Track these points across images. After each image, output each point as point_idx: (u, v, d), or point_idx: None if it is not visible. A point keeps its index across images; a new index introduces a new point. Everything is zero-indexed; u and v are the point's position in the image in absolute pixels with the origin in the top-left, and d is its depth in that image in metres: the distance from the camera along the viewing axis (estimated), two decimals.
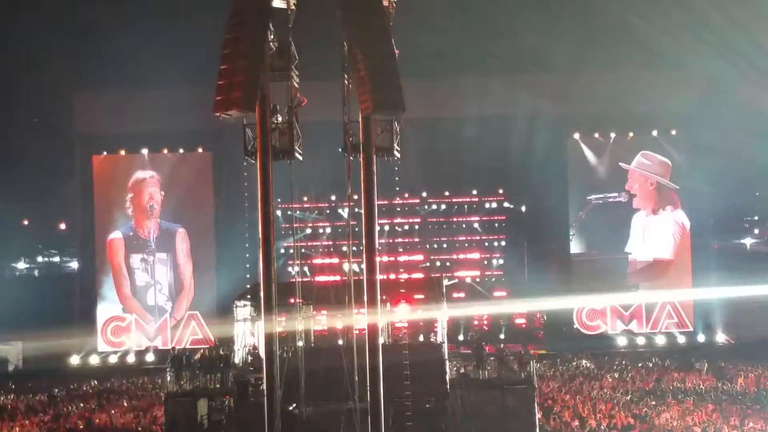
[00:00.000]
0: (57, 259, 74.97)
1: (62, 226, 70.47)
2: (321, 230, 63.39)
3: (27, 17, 56.95)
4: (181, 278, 62.20)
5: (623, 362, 53.65)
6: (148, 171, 62.38)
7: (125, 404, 46.14)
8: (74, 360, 59.79)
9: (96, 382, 52.28)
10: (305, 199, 61.84)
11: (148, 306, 61.83)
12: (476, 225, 63.53)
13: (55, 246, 74.63)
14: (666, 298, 60.41)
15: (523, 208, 63.38)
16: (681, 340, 59.93)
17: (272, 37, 28.65)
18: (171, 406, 36.01)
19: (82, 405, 46.14)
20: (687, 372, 50.41)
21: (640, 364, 53.08)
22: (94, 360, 60.43)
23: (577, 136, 62.86)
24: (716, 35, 53.42)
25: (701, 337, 59.87)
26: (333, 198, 62.16)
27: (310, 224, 63.14)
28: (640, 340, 60.06)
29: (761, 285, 55.78)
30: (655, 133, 62.08)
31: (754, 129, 54.38)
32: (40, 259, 76.27)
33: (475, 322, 57.39)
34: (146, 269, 62.03)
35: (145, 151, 62.62)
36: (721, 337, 59.62)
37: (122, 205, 62.23)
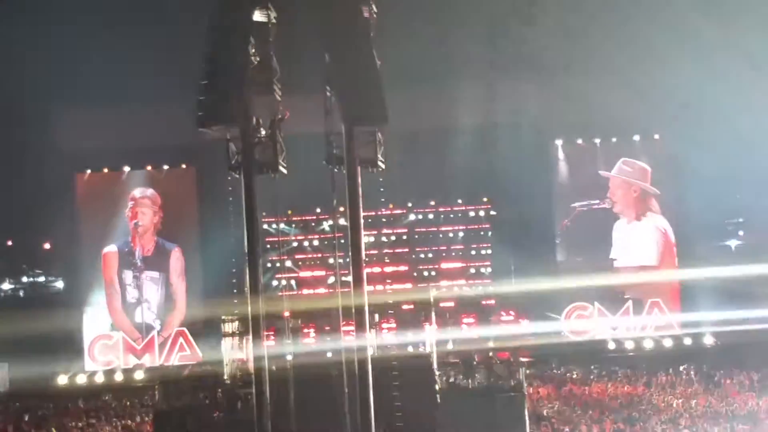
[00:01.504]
0: (42, 278, 74.61)
1: (47, 246, 70.13)
2: (306, 243, 63.27)
3: (7, 30, 56.59)
4: (173, 297, 61.85)
5: (612, 367, 53.75)
6: (144, 190, 62.18)
7: (114, 423, 45.96)
8: (61, 380, 59.49)
9: (83, 403, 52.05)
10: (289, 212, 61.74)
11: (136, 323, 61.56)
12: (462, 234, 63.47)
13: (39, 266, 74.25)
14: (652, 301, 60.51)
15: (508, 217, 63.23)
16: (668, 343, 59.84)
17: (253, 50, 28.66)
18: (160, 423, 35.89)
19: (71, 425, 45.95)
20: (675, 376, 50.49)
21: (628, 369, 53.16)
22: (81, 379, 60.11)
23: (559, 142, 62.89)
24: (699, 38, 53.56)
25: (688, 341, 59.77)
26: (318, 210, 62.09)
27: (296, 237, 63.03)
28: (629, 344, 59.98)
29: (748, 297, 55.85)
30: (636, 137, 62.22)
31: (738, 131, 54.49)
32: (24, 279, 75.89)
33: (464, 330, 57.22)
34: (138, 286, 61.80)
35: (127, 169, 62.43)
36: (708, 340, 59.55)
37: (111, 221, 61.93)
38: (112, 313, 61.61)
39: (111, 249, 61.91)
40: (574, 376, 52.28)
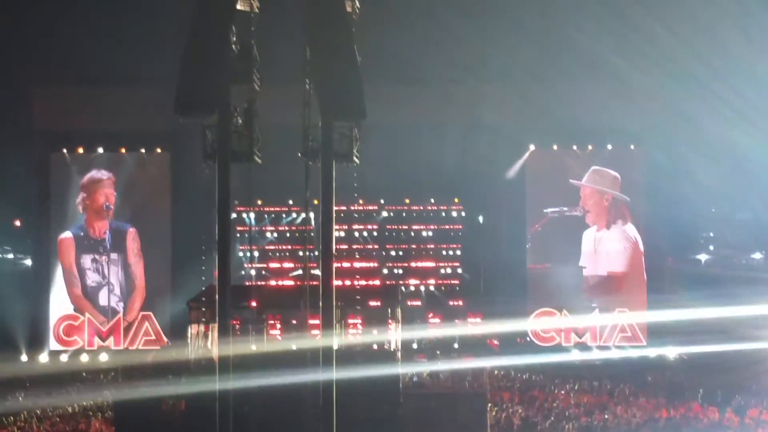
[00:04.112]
0: (11, 255, 74.23)
1: (17, 223, 69.73)
2: (277, 234, 63.16)
3: None
4: (132, 278, 61.68)
5: (576, 375, 53.87)
6: (103, 172, 61.83)
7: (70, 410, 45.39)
8: (24, 358, 59.22)
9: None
10: (259, 202, 61.62)
11: (100, 307, 61.31)
12: (432, 233, 63.41)
13: (9, 242, 73.86)
14: (620, 320, 60.53)
15: (480, 219, 63.31)
16: (634, 354, 59.95)
17: (234, 39, 28.59)
18: (122, 410, 35.63)
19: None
20: (639, 387, 50.62)
21: (593, 378, 53.34)
22: (44, 359, 59.86)
23: (532, 147, 62.77)
24: (680, 51, 53.78)
25: (653, 353, 59.87)
26: (290, 202, 61.99)
27: (267, 228, 62.91)
28: (594, 354, 60.09)
29: (716, 302, 55.85)
30: (610, 146, 62.24)
31: (712, 146, 54.71)
32: None
33: (430, 331, 57.31)
34: (98, 269, 61.49)
35: (101, 150, 62.12)
36: (673, 353, 59.69)
37: (76, 204, 61.72)
38: (73, 299, 61.36)
39: (66, 235, 61.69)
40: (538, 380, 52.33)
